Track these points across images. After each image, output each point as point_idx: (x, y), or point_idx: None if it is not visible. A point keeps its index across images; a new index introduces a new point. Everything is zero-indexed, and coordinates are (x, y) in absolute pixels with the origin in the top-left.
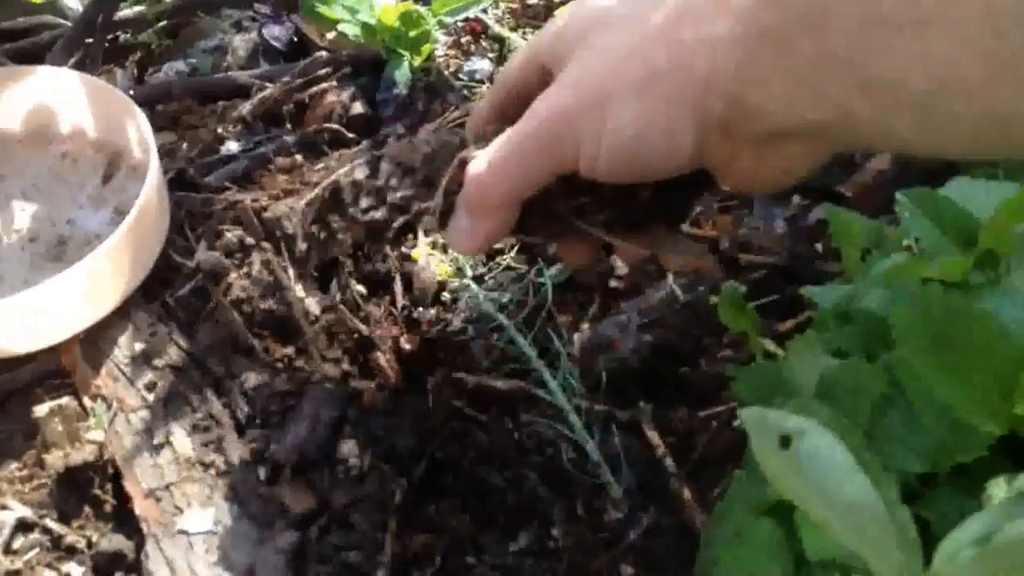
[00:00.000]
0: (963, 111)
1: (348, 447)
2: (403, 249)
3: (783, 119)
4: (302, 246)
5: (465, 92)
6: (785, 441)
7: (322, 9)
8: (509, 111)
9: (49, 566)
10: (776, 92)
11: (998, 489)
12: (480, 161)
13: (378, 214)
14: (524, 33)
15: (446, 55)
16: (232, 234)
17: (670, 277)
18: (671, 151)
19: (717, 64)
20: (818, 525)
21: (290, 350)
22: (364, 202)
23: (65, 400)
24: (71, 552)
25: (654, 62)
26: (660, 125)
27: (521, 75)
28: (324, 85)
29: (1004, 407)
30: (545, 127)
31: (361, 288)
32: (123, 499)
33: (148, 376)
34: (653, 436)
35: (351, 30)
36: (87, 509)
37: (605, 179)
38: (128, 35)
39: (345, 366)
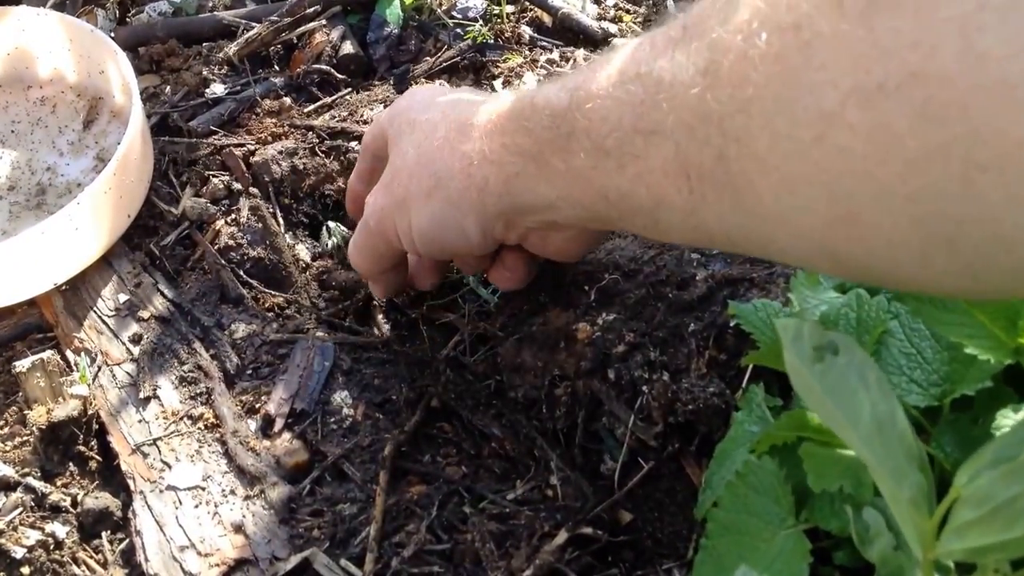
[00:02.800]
0: (678, 224)
1: (341, 397)
2: None
3: (550, 216)
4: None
5: (458, 31)
6: (819, 355)
7: None
8: (375, 170)
9: (33, 526)
10: (542, 195)
11: (1007, 419)
12: (350, 246)
13: None
14: None
15: None
16: (219, 180)
17: None
18: (464, 239)
19: (491, 174)
20: (825, 457)
21: (280, 299)
22: None
23: (47, 354)
24: (55, 511)
25: (438, 169)
26: (448, 221)
27: (374, 146)
28: (313, 25)
29: (1008, 337)
30: (372, 222)
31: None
32: (109, 455)
33: (133, 328)
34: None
35: None
36: (71, 466)
37: (427, 257)
38: None
39: (336, 314)
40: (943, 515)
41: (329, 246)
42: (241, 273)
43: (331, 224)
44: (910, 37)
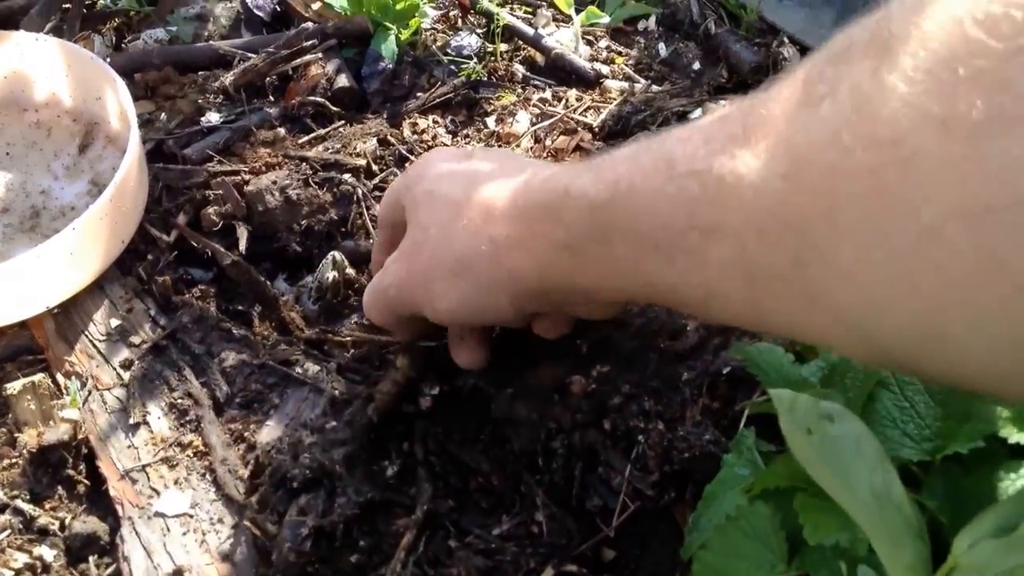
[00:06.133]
0: (732, 314)
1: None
2: None
3: (582, 302)
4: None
5: (452, 67)
6: (813, 428)
7: None
8: (396, 239)
9: (20, 548)
10: (576, 283)
11: (1008, 478)
12: (366, 299)
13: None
14: (512, 9)
15: (433, 29)
16: (213, 209)
17: None
18: (494, 316)
19: (522, 260)
20: (821, 510)
21: (271, 327)
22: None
23: (38, 377)
24: (43, 534)
25: (464, 254)
26: (478, 302)
27: (392, 217)
28: (308, 57)
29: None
30: (393, 291)
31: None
32: (98, 480)
33: (124, 353)
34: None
35: (337, 1)
36: (60, 490)
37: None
38: (106, 1)
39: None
40: None
41: (329, 279)
42: (232, 301)
43: (338, 256)
44: (1022, 162)
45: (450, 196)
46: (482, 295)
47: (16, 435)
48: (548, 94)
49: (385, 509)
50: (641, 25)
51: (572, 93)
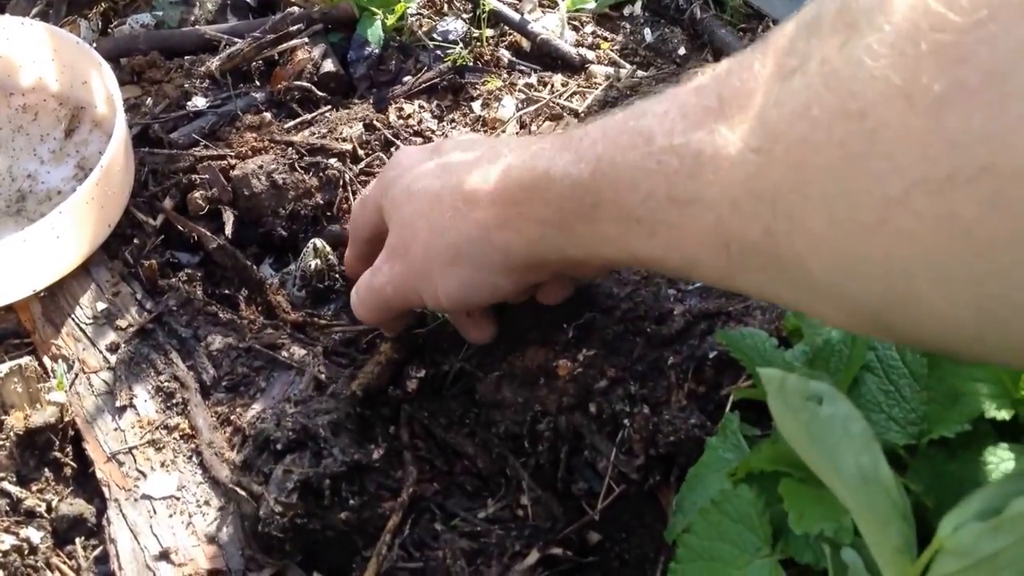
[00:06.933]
0: (713, 282)
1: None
2: None
3: (574, 268)
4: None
5: (438, 52)
6: (802, 406)
7: None
8: (374, 246)
9: (7, 530)
10: (568, 256)
11: (993, 457)
12: (354, 298)
13: None
14: None
15: (419, 14)
16: (199, 193)
17: None
18: (495, 293)
19: (512, 239)
20: (807, 497)
21: (257, 311)
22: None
23: (25, 360)
24: (30, 516)
25: (456, 240)
26: (478, 282)
27: (368, 228)
28: (295, 42)
29: (1013, 387)
30: (390, 289)
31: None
32: (84, 462)
33: (111, 337)
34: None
35: None
36: (47, 472)
37: (454, 311)
38: None
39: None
40: (927, 563)
41: (312, 267)
42: (219, 285)
43: (318, 243)
44: (981, 132)
45: (430, 190)
46: (481, 276)
47: (3, 418)
48: (534, 79)
49: (375, 472)
50: (627, 11)
51: (558, 78)
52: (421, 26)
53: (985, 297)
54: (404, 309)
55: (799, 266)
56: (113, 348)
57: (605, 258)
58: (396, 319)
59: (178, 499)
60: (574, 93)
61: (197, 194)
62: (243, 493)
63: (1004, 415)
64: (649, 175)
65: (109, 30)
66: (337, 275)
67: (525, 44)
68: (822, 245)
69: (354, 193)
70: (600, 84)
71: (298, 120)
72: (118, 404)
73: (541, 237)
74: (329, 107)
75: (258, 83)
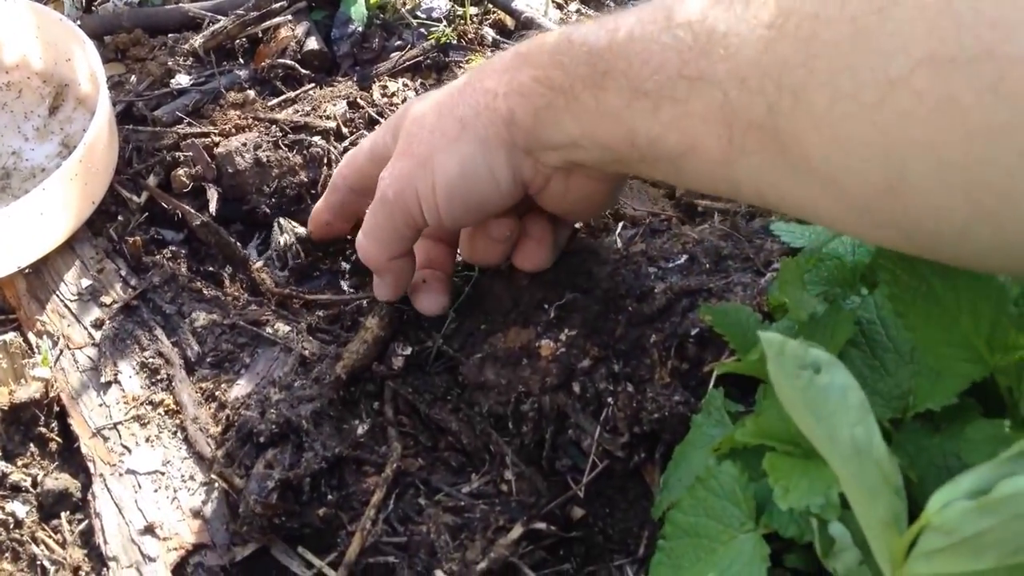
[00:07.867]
0: (707, 173)
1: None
2: None
3: (572, 155)
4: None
5: (422, 30)
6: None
7: None
8: (356, 197)
9: None
10: (567, 131)
11: (978, 434)
12: (359, 234)
13: None
14: None
15: None
16: (183, 170)
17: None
18: (494, 180)
19: (517, 105)
20: (792, 471)
21: (241, 288)
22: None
23: (10, 336)
24: (16, 491)
25: (463, 113)
26: (478, 160)
27: (359, 168)
28: (278, 20)
29: (988, 353)
30: (391, 191)
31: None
32: (69, 438)
33: (95, 313)
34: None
35: None
36: (32, 447)
37: (448, 225)
38: None
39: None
40: (913, 538)
41: (282, 243)
42: (203, 261)
43: (282, 221)
44: (990, 16)
45: (446, 90)
46: (481, 152)
47: None
48: None
49: (354, 465)
50: None
51: None
52: (404, 4)
53: (974, 184)
54: (402, 226)
55: (797, 148)
56: (98, 324)
57: (600, 144)
58: (396, 255)
59: (163, 474)
60: None
61: (181, 171)
62: (225, 485)
63: (979, 376)
64: (663, 48)
65: (93, 8)
66: (320, 253)
67: (509, 22)
68: (822, 124)
69: None
70: None
71: (282, 98)
72: (103, 380)
73: (548, 104)
74: (313, 85)
75: (242, 61)
